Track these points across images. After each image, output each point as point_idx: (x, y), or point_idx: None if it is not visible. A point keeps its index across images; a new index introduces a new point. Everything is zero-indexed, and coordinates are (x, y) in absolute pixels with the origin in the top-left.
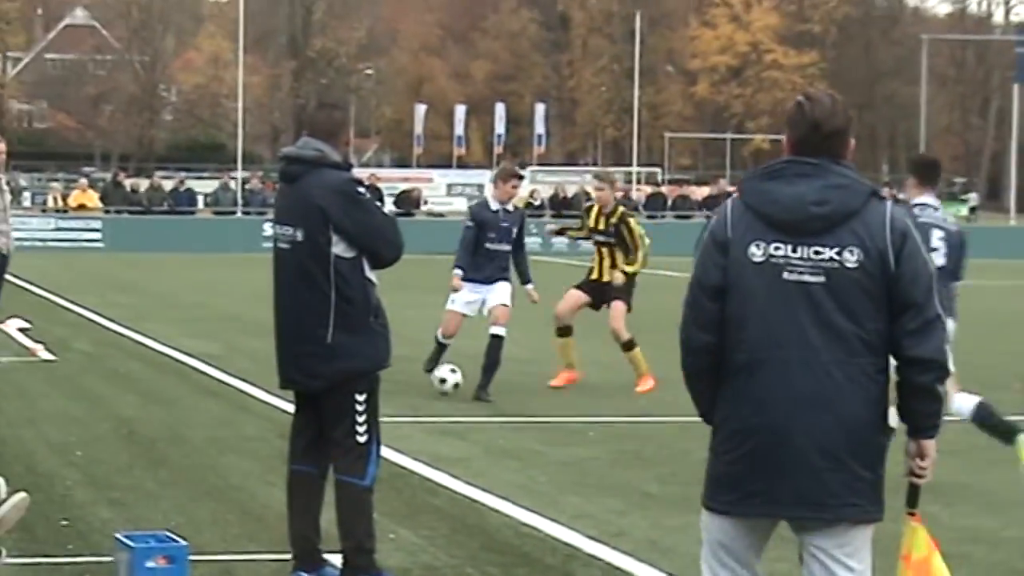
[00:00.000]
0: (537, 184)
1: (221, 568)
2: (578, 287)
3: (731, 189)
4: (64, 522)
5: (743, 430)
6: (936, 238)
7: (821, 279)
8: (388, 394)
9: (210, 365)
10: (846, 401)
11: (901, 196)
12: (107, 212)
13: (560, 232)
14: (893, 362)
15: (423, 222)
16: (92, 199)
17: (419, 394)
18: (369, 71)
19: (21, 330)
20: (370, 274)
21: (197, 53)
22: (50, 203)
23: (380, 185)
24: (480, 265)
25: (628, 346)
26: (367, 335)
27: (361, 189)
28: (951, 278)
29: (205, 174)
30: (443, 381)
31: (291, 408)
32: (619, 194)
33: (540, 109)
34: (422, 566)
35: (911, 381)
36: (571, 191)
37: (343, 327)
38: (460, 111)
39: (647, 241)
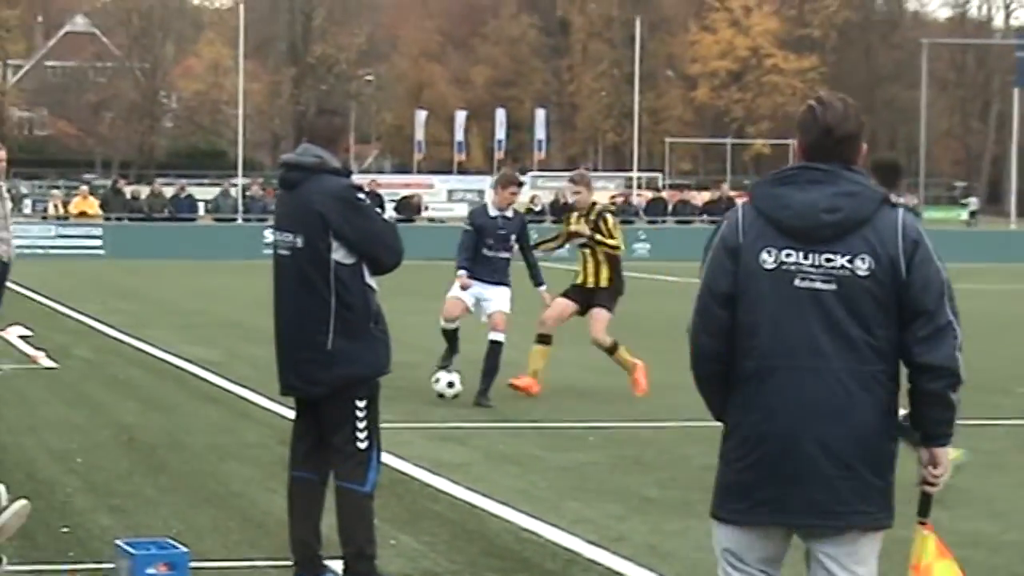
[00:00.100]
0: (538, 190)
1: (222, 575)
2: (565, 295)
3: (733, 194)
4: (65, 529)
5: (753, 437)
6: None
7: (832, 287)
8: (388, 400)
9: (211, 372)
10: (857, 408)
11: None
12: (108, 219)
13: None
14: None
15: (424, 228)
16: (93, 206)
17: (419, 400)
18: (369, 77)
19: (22, 337)
20: (370, 280)
21: (197, 60)
22: (51, 210)
23: (381, 191)
24: (478, 270)
25: (612, 350)
26: (367, 341)
27: (361, 195)
28: None
29: (206, 181)
30: (451, 385)
31: (291, 414)
32: (619, 199)
33: (540, 114)
34: (423, 572)
35: (922, 388)
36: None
37: (343, 333)
38: (460, 117)
39: (621, 236)
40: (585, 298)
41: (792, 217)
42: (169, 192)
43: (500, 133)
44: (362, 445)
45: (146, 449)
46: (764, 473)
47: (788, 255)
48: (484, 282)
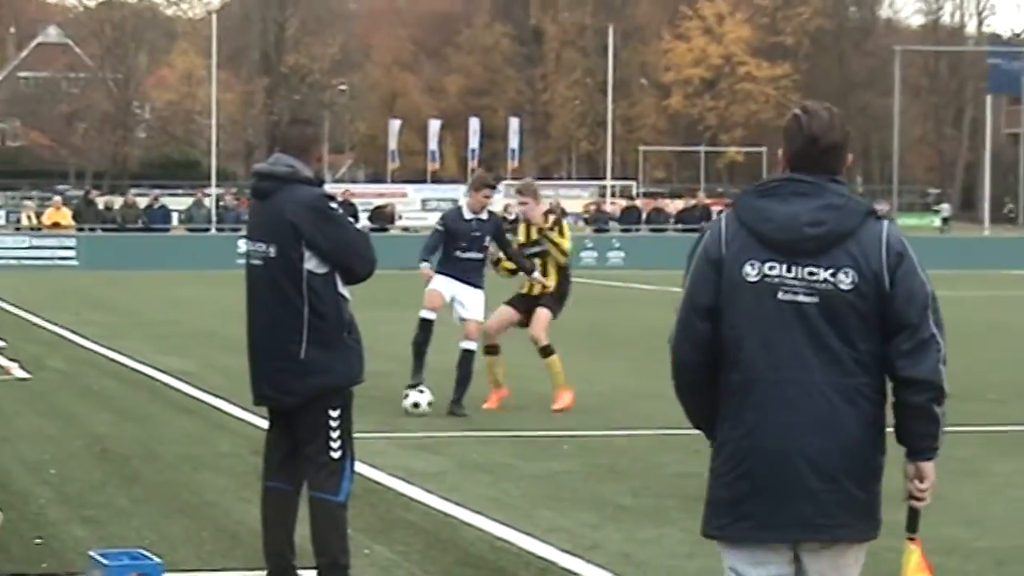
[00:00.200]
0: (511, 198)
1: None
2: (510, 303)
3: (708, 202)
4: (38, 540)
5: (738, 452)
6: None
7: (815, 300)
8: (362, 410)
9: (184, 382)
10: (842, 422)
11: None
12: (81, 230)
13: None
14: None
15: (397, 237)
16: (66, 217)
17: (393, 410)
18: (343, 87)
19: None
20: (343, 290)
21: (170, 70)
22: (24, 221)
23: (355, 200)
24: (449, 270)
25: (546, 352)
26: (340, 351)
27: (333, 204)
28: None
29: (179, 191)
30: (416, 406)
31: (265, 424)
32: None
33: (514, 123)
34: None
35: (906, 402)
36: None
37: (316, 343)
38: (434, 126)
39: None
40: (529, 306)
41: (775, 230)
42: (142, 202)
43: (474, 142)
44: (336, 455)
45: (119, 460)
46: (748, 487)
47: (771, 268)
48: (457, 280)
